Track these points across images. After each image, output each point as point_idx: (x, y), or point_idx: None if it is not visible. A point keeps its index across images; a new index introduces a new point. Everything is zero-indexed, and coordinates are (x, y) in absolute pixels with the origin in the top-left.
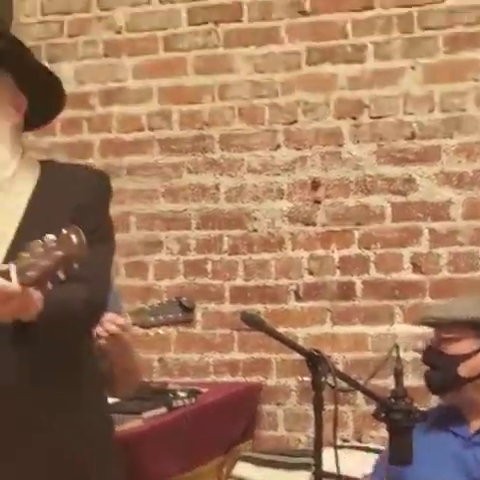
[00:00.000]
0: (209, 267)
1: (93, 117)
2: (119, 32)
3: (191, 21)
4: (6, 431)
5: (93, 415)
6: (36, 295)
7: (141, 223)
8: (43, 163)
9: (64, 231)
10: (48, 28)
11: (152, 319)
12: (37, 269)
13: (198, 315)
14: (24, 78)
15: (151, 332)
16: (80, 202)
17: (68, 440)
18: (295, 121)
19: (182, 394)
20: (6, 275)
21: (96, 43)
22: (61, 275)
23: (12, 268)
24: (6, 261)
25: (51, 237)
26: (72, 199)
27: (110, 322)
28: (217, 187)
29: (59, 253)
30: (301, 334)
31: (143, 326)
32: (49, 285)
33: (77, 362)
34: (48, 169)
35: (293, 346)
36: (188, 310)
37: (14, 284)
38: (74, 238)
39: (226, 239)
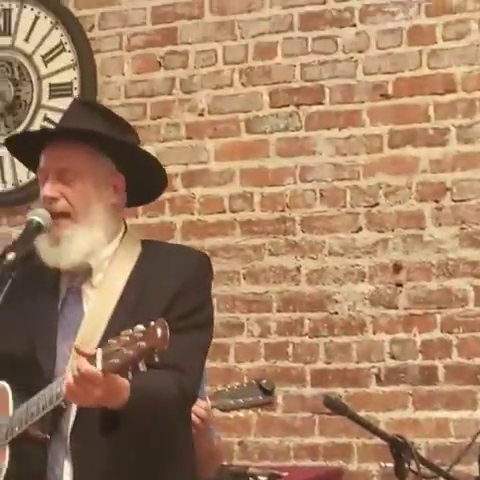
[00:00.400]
0: (290, 350)
1: (175, 198)
2: (201, 114)
3: (273, 103)
4: None
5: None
6: (122, 384)
7: (222, 305)
8: (144, 243)
9: (151, 323)
10: (131, 110)
11: (232, 402)
12: (120, 357)
13: (279, 398)
14: (123, 159)
15: (231, 415)
16: (176, 287)
17: None
18: (377, 203)
19: (262, 478)
20: (93, 359)
21: (179, 125)
22: (142, 367)
23: (99, 353)
24: (101, 344)
25: (140, 327)
26: (169, 283)
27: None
28: (298, 269)
29: (143, 344)
30: (382, 418)
31: (223, 409)
32: (130, 375)
33: (170, 448)
34: (148, 250)
35: (376, 431)
36: (268, 393)
37: (96, 369)
38: (159, 331)
39: (307, 322)
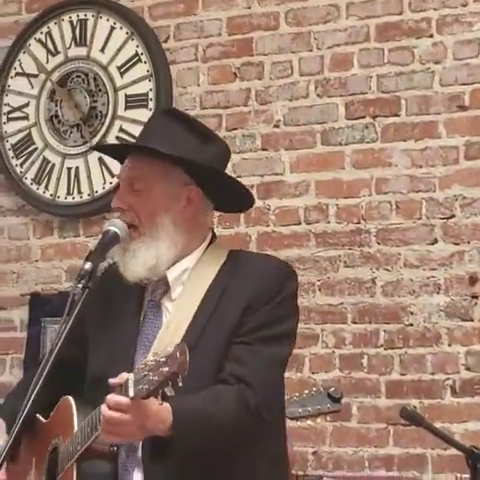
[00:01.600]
0: (365, 361)
1: (251, 210)
2: (277, 126)
3: (349, 115)
4: None
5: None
6: (162, 408)
7: None
8: (231, 253)
9: (172, 348)
10: (207, 122)
11: (300, 410)
12: (149, 383)
13: (354, 409)
14: (197, 174)
15: (305, 424)
16: (250, 297)
17: None
18: (453, 216)
19: None
20: (125, 386)
21: (254, 136)
22: (169, 391)
23: (130, 379)
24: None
25: (164, 352)
26: (243, 294)
27: None
28: (374, 281)
29: (166, 370)
30: (457, 430)
31: (292, 417)
32: (159, 400)
33: (244, 464)
34: (232, 260)
35: (452, 442)
36: (336, 400)
37: (124, 398)
38: (179, 356)
39: (382, 333)
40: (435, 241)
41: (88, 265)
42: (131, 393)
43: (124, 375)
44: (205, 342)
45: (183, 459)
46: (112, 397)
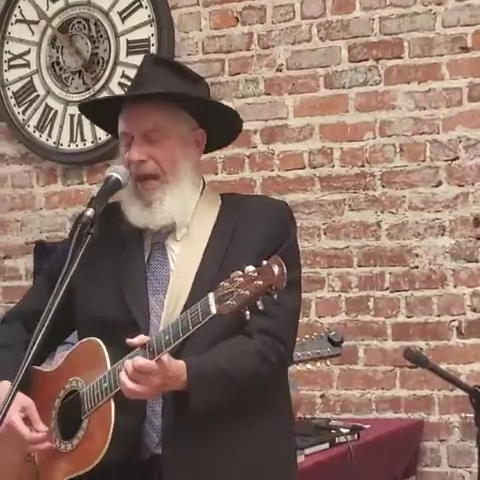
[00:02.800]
0: (371, 304)
1: (255, 155)
2: (280, 70)
3: (352, 58)
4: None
5: (280, 445)
6: (176, 366)
7: (303, 260)
8: (224, 196)
9: (265, 262)
10: (210, 67)
11: (300, 354)
12: (236, 299)
13: (360, 352)
14: (203, 114)
15: (313, 368)
16: (263, 240)
17: (253, 465)
18: (457, 157)
19: (344, 430)
20: (205, 303)
21: (257, 81)
22: (260, 305)
23: (210, 297)
24: (192, 294)
25: (251, 268)
26: (255, 236)
27: None
28: (379, 224)
29: (259, 283)
30: (463, 370)
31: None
32: (247, 315)
33: (265, 403)
34: (229, 202)
35: (456, 383)
36: (336, 345)
37: (150, 362)
38: (276, 269)
39: (388, 276)
40: (439, 183)
41: (90, 211)
42: (213, 310)
43: (142, 337)
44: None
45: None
46: (138, 361)
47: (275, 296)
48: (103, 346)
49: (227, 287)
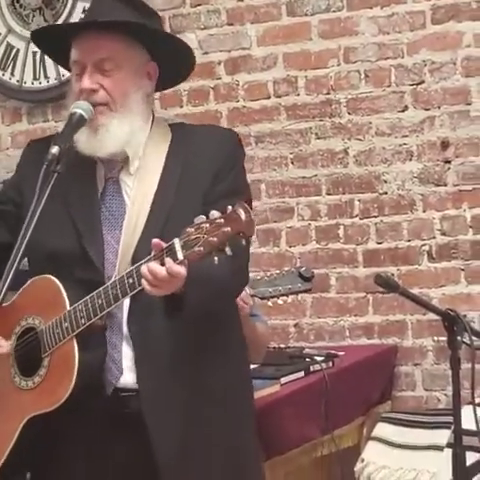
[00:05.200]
0: (341, 232)
1: (219, 86)
2: (241, 0)
3: None
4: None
5: (237, 374)
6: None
7: (272, 190)
8: (173, 127)
9: (230, 208)
10: None
11: (271, 290)
12: (204, 245)
13: (332, 280)
14: (157, 47)
15: (270, 303)
16: (216, 166)
17: (219, 385)
18: (422, 81)
19: (319, 358)
20: (172, 249)
21: (219, 12)
22: (228, 251)
23: (176, 243)
24: (147, 226)
25: (217, 214)
26: (207, 164)
27: None
28: (346, 151)
29: (227, 229)
30: (435, 294)
31: (262, 297)
32: (216, 260)
33: (225, 328)
34: (179, 133)
35: (428, 306)
36: (307, 280)
37: (181, 268)
38: (243, 215)
39: (357, 203)
40: (405, 108)
41: (55, 149)
42: (180, 256)
43: (156, 241)
44: (177, 212)
45: (170, 323)
46: (173, 266)
47: (243, 242)
48: (60, 285)
49: (193, 233)
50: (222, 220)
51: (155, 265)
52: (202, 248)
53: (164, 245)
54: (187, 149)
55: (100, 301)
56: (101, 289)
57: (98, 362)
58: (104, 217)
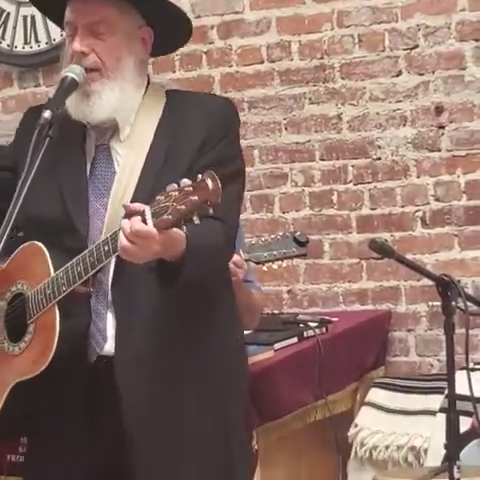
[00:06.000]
0: (334, 198)
1: (212, 51)
2: None
3: None
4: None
5: (229, 337)
6: (179, 236)
7: (265, 156)
8: (169, 93)
9: (200, 176)
10: None
11: (266, 254)
12: (173, 213)
13: (326, 246)
14: (152, 12)
15: (265, 267)
16: (203, 135)
17: (204, 355)
18: (416, 46)
19: (313, 324)
20: (143, 216)
21: None
22: (196, 220)
23: (147, 211)
24: (136, 194)
25: (187, 182)
26: (196, 131)
27: None
28: (340, 117)
29: (195, 198)
30: (429, 260)
31: (257, 262)
32: (184, 228)
33: (214, 296)
34: (173, 100)
35: (422, 272)
36: (302, 244)
37: (149, 227)
38: (210, 184)
39: (350, 169)
40: (400, 73)
41: (47, 113)
42: (150, 223)
43: (139, 204)
44: (164, 180)
45: (154, 294)
46: (136, 224)
47: (211, 211)
48: (46, 251)
49: (163, 201)
50: (190, 188)
51: (135, 220)
52: (171, 216)
53: (136, 208)
54: (179, 117)
55: (79, 268)
56: (80, 256)
57: (81, 329)
58: (93, 185)
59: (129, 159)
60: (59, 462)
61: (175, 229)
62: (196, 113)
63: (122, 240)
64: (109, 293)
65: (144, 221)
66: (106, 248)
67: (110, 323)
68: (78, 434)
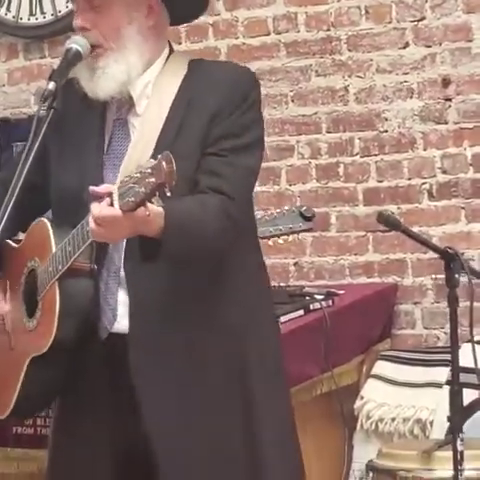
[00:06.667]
0: (341, 170)
1: (218, 23)
2: None
3: None
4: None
5: (249, 315)
6: (154, 211)
7: (271, 129)
8: (192, 63)
9: (158, 158)
10: None
11: (271, 229)
12: (135, 195)
13: (332, 218)
14: None
15: (270, 242)
16: (216, 105)
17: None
18: (423, 18)
19: (319, 297)
20: (110, 199)
21: None
22: (157, 202)
23: (115, 192)
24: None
25: (148, 163)
26: (208, 101)
27: None
28: (346, 89)
29: (152, 180)
30: (435, 233)
31: (263, 236)
32: (156, 204)
33: (224, 273)
34: (194, 70)
35: (427, 244)
36: (308, 219)
37: (113, 210)
38: (164, 166)
39: (357, 141)
40: (406, 45)
41: (52, 85)
42: (116, 206)
43: (108, 186)
44: (175, 155)
45: (168, 271)
46: (98, 208)
47: (168, 193)
48: (49, 226)
49: (127, 182)
50: (149, 170)
51: (103, 204)
52: (133, 198)
53: (103, 191)
54: (196, 86)
55: (70, 248)
56: (70, 235)
57: (87, 307)
58: (109, 159)
59: (143, 133)
60: (81, 438)
61: (148, 205)
62: (209, 84)
63: (91, 224)
64: (121, 270)
65: (112, 203)
66: (88, 228)
67: (122, 301)
68: (98, 407)
